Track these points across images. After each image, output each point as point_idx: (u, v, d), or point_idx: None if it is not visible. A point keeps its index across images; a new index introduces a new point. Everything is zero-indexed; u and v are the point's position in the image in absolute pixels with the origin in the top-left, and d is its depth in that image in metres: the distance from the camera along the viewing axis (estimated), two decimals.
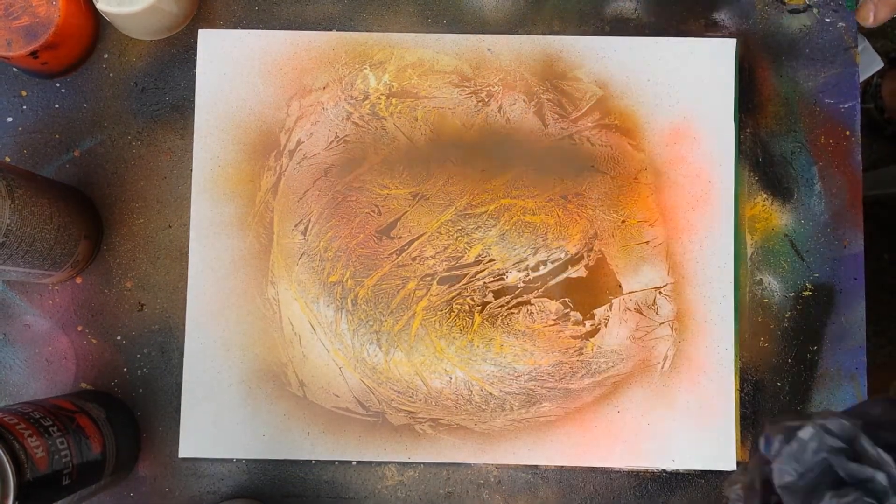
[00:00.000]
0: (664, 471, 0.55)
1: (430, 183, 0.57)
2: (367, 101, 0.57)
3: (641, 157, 0.57)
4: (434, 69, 0.58)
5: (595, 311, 0.56)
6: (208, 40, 0.58)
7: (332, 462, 0.56)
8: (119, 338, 0.56)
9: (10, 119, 0.57)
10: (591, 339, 0.56)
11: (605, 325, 0.56)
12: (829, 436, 0.30)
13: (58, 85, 0.58)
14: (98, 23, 0.58)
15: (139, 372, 0.56)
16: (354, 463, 0.56)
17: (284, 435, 0.55)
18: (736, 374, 0.56)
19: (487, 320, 0.56)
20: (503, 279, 0.56)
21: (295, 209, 0.57)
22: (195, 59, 0.57)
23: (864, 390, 0.56)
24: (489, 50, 0.58)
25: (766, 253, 0.57)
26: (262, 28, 0.58)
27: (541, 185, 0.57)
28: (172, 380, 0.56)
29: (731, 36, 0.58)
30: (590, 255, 0.56)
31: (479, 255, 0.57)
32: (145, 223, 0.57)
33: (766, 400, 0.56)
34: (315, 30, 0.58)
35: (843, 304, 0.57)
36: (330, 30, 0.58)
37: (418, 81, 0.58)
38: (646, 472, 0.56)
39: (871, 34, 1.07)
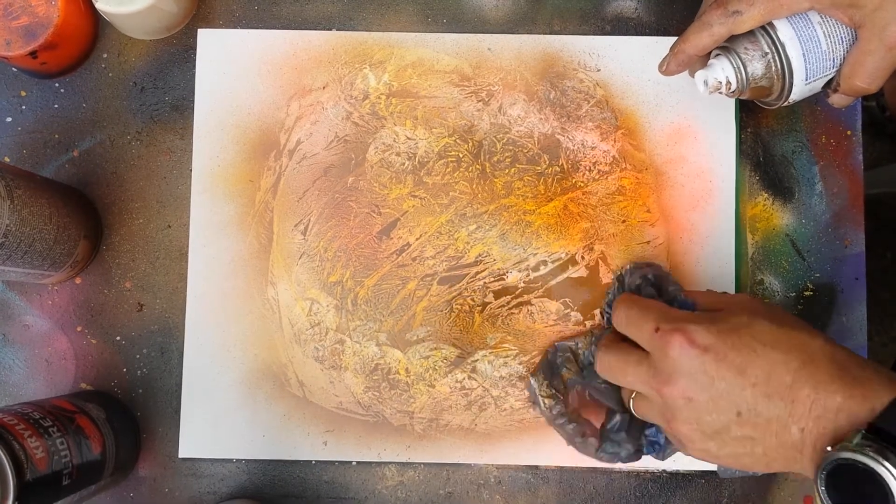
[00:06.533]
0: (664, 471, 0.55)
1: (430, 183, 0.57)
2: (366, 101, 0.57)
3: (642, 157, 0.57)
4: (434, 69, 0.57)
5: (596, 311, 0.56)
6: (208, 40, 0.57)
7: (332, 462, 0.55)
8: (118, 338, 0.56)
9: (9, 119, 0.57)
10: None
11: (606, 326, 0.56)
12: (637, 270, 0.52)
13: (57, 85, 0.58)
14: (97, 22, 0.57)
15: (139, 372, 0.56)
16: (354, 463, 0.56)
17: (284, 435, 0.55)
18: None
19: (488, 320, 0.56)
20: (503, 279, 0.56)
21: (295, 209, 0.57)
22: (195, 59, 0.57)
23: None
24: (489, 49, 0.58)
25: (767, 253, 0.57)
26: (261, 28, 0.58)
27: (541, 184, 0.57)
28: (172, 380, 0.56)
29: None
30: (590, 255, 0.56)
31: (480, 255, 0.56)
32: (145, 223, 0.57)
33: None
34: (314, 29, 0.58)
35: (844, 304, 0.57)
36: (329, 29, 0.58)
37: (418, 81, 0.57)
38: (646, 472, 0.55)
39: None
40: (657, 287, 0.51)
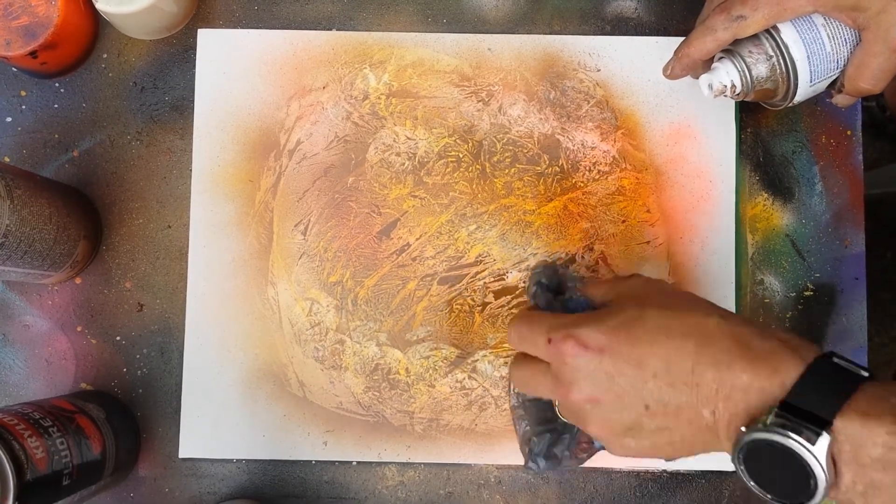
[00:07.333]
0: (664, 471, 0.55)
1: (430, 183, 0.57)
2: (366, 101, 0.57)
3: (642, 157, 0.57)
4: (434, 69, 0.57)
5: None
6: (208, 40, 0.57)
7: (332, 462, 0.55)
8: (119, 338, 0.56)
9: (9, 119, 0.57)
10: None
11: None
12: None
13: (57, 85, 0.58)
14: (97, 22, 0.57)
15: (139, 372, 0.56)
16: (354, 463, 0.56)
17: (284, 435, 0.55)
18: None
19: (488, 320, 0.56)
20: (503, 279, 0.56)
21: (295, 209, 0.57)
22: (195, 59, 0.57)
23: None
24: (489, 49, 0.58)
25: (767, 253, 0.57)
26: (261, 28, 0.58)
27: (541, 184, 0.57)
28: (172, 380, 0.56)
29: None
30: (590, 255, 0.56)
31: (480, 255, 0.56)
32: (145, 223, 0.57)
33: None
34: (314, 29, 0.58)
35: (844, 304, 0.57)
36: (329, 29, 0.58)
37: (418, 81, 0.57)
38: (646, 472, 0.55)
39: None
40: (555, 290, 0.49)
